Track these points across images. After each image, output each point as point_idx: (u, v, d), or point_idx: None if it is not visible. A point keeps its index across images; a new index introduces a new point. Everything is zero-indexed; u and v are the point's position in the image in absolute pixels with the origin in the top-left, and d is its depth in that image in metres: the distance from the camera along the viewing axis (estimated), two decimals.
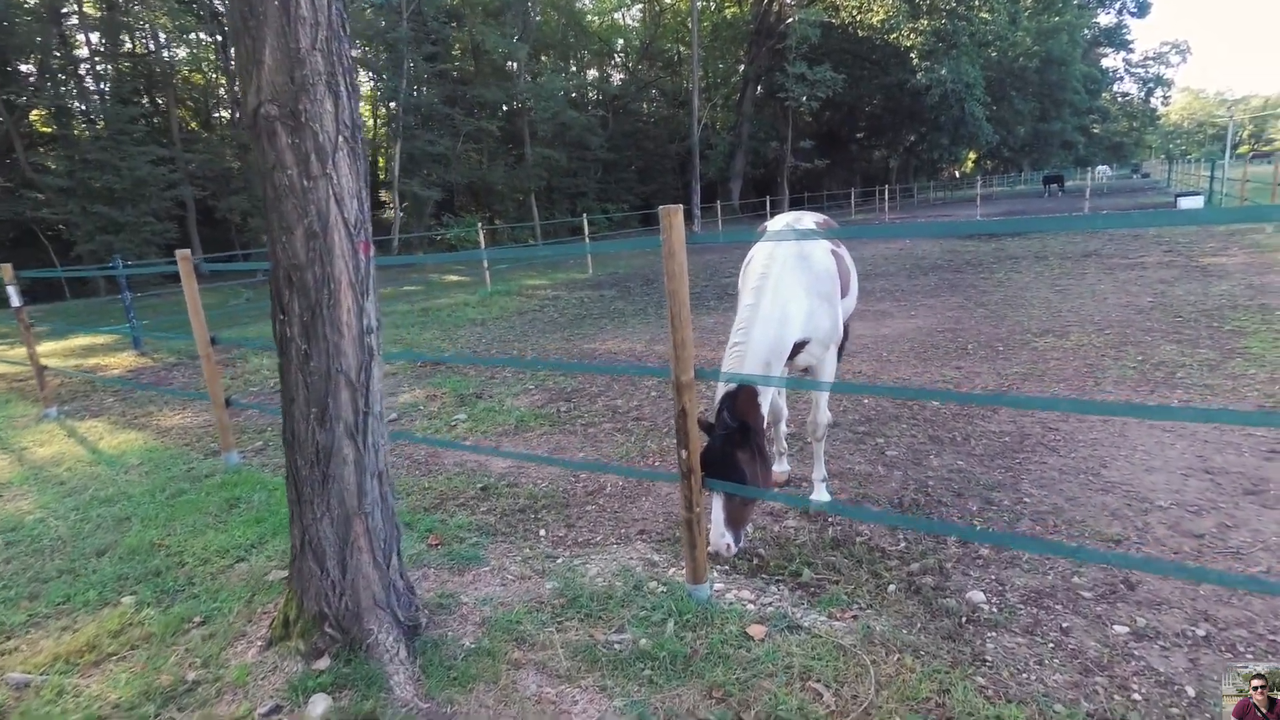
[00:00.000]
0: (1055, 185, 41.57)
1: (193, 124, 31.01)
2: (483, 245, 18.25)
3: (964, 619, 2.83)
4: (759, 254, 3.74)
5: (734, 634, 2.72)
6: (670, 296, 2.68)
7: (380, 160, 33.19)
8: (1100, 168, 43.39)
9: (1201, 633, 2.63)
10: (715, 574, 3.32)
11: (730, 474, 3.08)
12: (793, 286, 3.52)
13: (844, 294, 4.04)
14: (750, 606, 2.96)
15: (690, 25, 35.42)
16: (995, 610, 2.88)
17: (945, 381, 6.27)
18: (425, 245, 29.83)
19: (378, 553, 2.54)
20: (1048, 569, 3.15)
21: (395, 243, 27.99)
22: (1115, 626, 2.71)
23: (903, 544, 3.47)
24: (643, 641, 2.70)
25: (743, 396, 3.23)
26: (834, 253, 4.01)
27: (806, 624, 2.81)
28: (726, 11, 41.85)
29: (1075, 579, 3.06)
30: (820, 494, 3.93)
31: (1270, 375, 5.54)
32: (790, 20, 33.98)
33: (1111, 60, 63.19)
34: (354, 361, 2.35)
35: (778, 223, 4.19)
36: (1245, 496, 3.67)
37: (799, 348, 3.58)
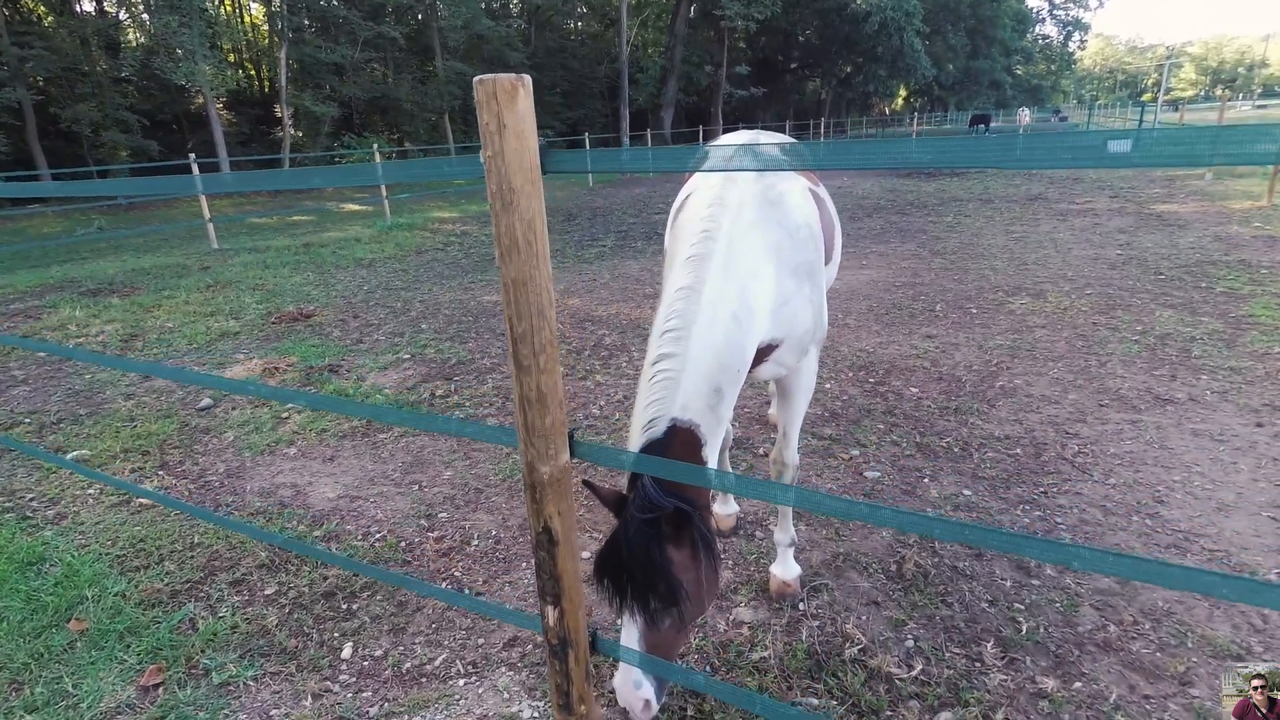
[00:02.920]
0: (983, 126, 41.15)
1: (45, 15, 25.93)
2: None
3: None
4: (699, 194, 2.27)
5: None
6: (509, 290, 1.20)
7: (266, 69, 29.04)
8: (1022, 109, 43.24)
9: None
10: None
11: (657, 588, 1.70)
12: (755, 253, 2.09)
13: (827, 259, 2.64)
14: None
15: None
16: None
17: (919, 355, 5.07)
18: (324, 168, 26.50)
19: None
20: None
21: (286, 164, 24.68)
22: None
23: (918, 667, 2.22)
24: None
25: (677, 446, 1.83)
26: (813, 195, 2.60)
27: None
28: None
29: None
30: (786, 564, 2.62)
31: None
32: None
33: (1035, 0, 62.78)
34: None
35: (727, 144, 2.71)
36: None
37: (763, 354, 2.18)
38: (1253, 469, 3.27)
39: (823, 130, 38.39)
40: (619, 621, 1.77)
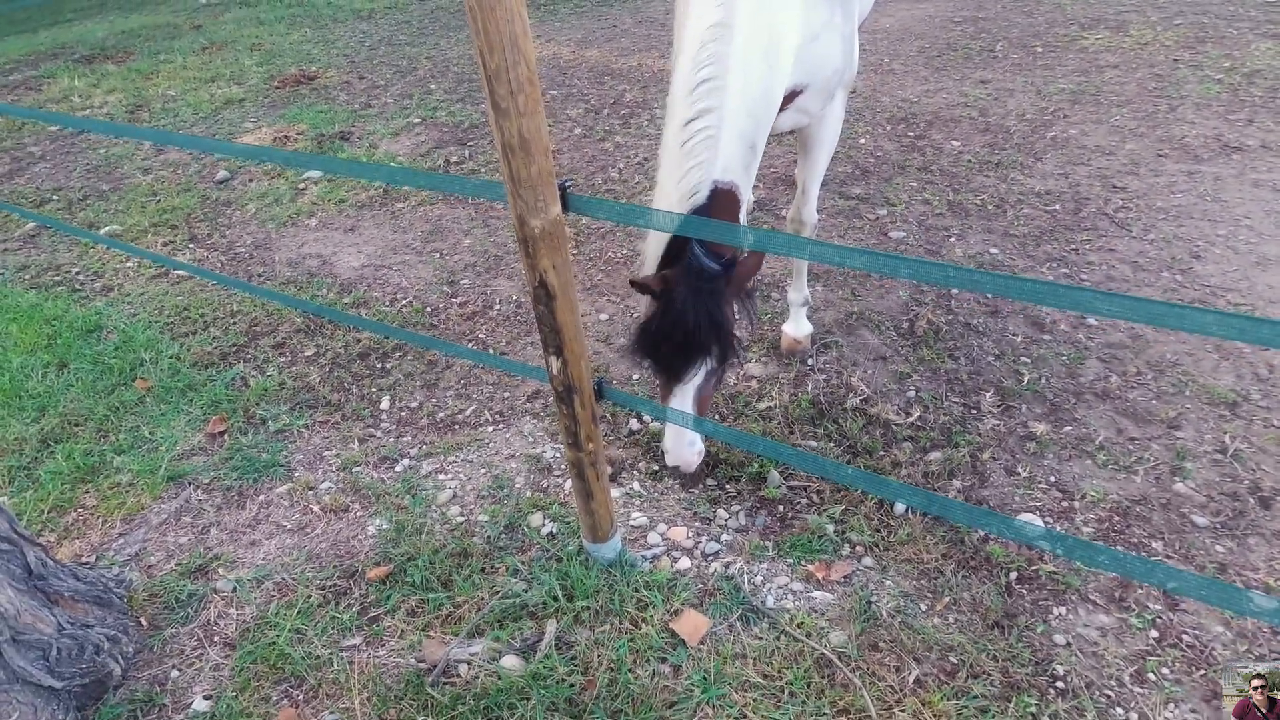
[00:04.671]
0: None
1: None
2: None
3: (1014, 576, 1.82)
4: None
5: (653, 637, 1.67)
6: (475, 16, 1.07)
7: None
8: None
9: None
10: (636, 477, 2.20)
11: (722, 349, 1.75)
12: None
13: None
14: (684, 563, 1.89)
15: None
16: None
17: (967, 103, 4.63)
18: None
19: None
20: (1134, 465, 2.09)
21: None
22: (1252, 594, 1.72)
23: (916, 414, 2.34)
24: (505, 663, 1.65)
25: (719, 210, 1.73)
26: None
27: (772, 603, 1.77)
28: None
29: (1178, 485, 2.02)
30: (799, 322, 2.67)
31: None
32: None
33: None
34: None
35: None
36: None
37: (785, 100, 1.99)
38: None
39: None
40: (658, 387, 1.85)
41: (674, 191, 1.75)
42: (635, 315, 2.96)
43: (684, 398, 1.81)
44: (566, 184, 1.34)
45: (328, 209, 4.15)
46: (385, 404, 2.56)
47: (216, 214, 4.25)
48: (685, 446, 1.86)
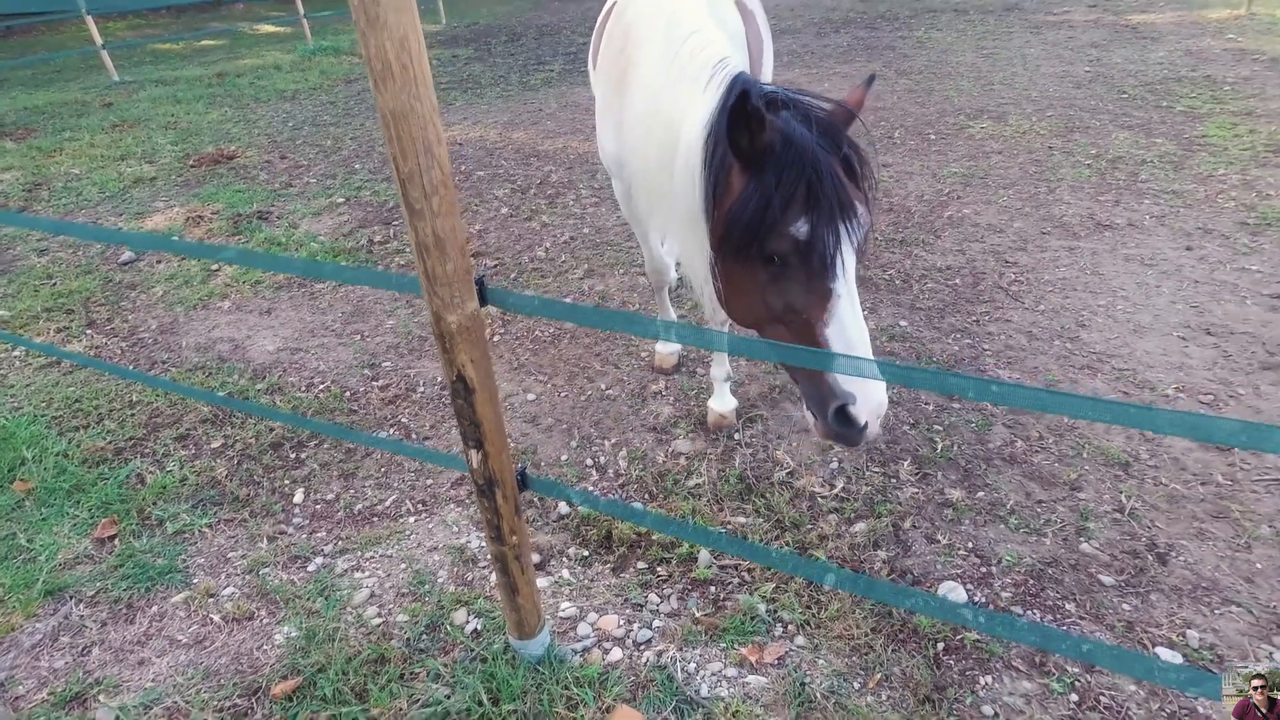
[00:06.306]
0: None
1: None
2: None
3: (941, 646, 1.84)
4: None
5: None
6: (388, 124, 1.09)
7: None
8: None
9: None
10: (565, 564, 2.14)
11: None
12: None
13: None
14: (616, 654, 1.83)
15: None
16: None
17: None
18: None
19: None
20: (1043, 528, 2.19)
21: None
22: (1158, 650, 1.80)
23: (840, 485, 2.39)
24: None
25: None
26: (742, 6, 2.39)
27: (706, 691, 1.72)
28: None
29: (1084, 545, 2.12)
30: (723, 398, 2.72)
31: (1242, 176, 4.62)
32: None
33: None
34: None
35: None
36: (1264, 373, 2.79)
37: None
38: (1173, 292, 3.40)
39: None
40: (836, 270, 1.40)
41: (674, 74, 1.53)
42: (570, 395, 2.95)
43: (852, 297, 1.36)
44: (483, 277, 1.34)
45: (242, 290, 4.01)
46: (299, 497, 2.42)
47: (119, 297, 4.04)
48: (883, 393, 1.36)
